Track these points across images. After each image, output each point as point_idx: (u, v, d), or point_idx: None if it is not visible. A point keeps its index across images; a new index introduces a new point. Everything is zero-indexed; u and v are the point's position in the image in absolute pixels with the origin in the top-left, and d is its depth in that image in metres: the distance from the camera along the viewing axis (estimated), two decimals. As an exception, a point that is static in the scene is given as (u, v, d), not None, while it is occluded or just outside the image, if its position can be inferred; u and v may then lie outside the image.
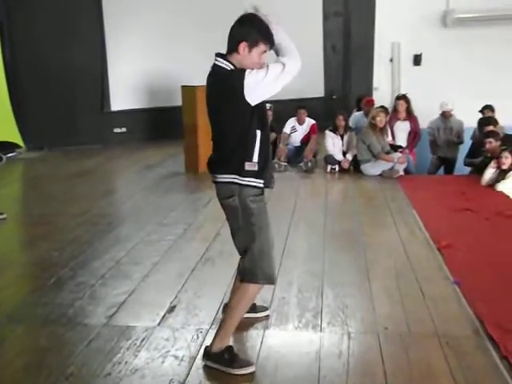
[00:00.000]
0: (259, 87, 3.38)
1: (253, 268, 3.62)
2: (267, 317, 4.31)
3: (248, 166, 3.50)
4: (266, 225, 3.65)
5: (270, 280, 3.70)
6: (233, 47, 3.51)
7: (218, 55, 3.57)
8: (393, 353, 3.80)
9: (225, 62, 3.52)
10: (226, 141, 3.56)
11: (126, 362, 3.70)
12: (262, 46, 3.49)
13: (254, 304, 4.26)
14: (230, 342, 3.72)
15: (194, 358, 3.74)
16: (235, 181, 3.51)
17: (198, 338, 4.02)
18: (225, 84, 3.50)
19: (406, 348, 3.85)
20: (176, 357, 3.77)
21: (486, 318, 4.17)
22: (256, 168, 3.51)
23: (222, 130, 3.58)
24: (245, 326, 4.12)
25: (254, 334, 4.07)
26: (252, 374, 3.58)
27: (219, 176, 3.57)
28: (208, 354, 3.68)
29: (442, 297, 4.66)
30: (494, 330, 4.00)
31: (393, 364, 3.65)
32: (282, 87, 3.45)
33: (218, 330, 3.75)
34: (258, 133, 3.50)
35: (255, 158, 3.50)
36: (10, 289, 5.10)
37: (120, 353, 3.83)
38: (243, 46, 3.48)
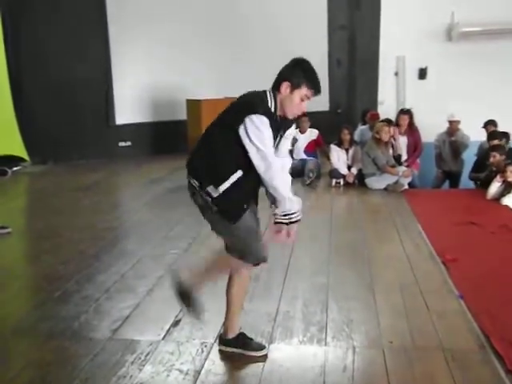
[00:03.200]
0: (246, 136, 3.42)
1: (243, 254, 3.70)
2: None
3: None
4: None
5: (263, 259, 3.75)
6: (276, 85, 3.58)
7: (273, 87, 3.61)
8: (398, 367, 3.80)
9: (272, 98, 3.56)
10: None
11: (131, 376, 3.70)
12: (304, 90, 3.54)
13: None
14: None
15: (198, 372, 3.74)
16: None
17: (202, 351, 4.02)
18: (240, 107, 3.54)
19: (411, 362, 3.85)
20: (181, 371, 3.77)
21: (491, 332, 4.16)
22: None
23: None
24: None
25: (258, 348, 4.06)
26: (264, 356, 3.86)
27: None
28: (223, 340, 4.00)
29: (447, 310, 4.66)
30: (499, 343, 3.99)
31: (398, 378, 3.64)
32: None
33: (225, 322, 4.02)
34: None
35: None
36: (14, 302, 5.11)
37: (125, 367, 3.82)
38: (285, 86, 3.54)
